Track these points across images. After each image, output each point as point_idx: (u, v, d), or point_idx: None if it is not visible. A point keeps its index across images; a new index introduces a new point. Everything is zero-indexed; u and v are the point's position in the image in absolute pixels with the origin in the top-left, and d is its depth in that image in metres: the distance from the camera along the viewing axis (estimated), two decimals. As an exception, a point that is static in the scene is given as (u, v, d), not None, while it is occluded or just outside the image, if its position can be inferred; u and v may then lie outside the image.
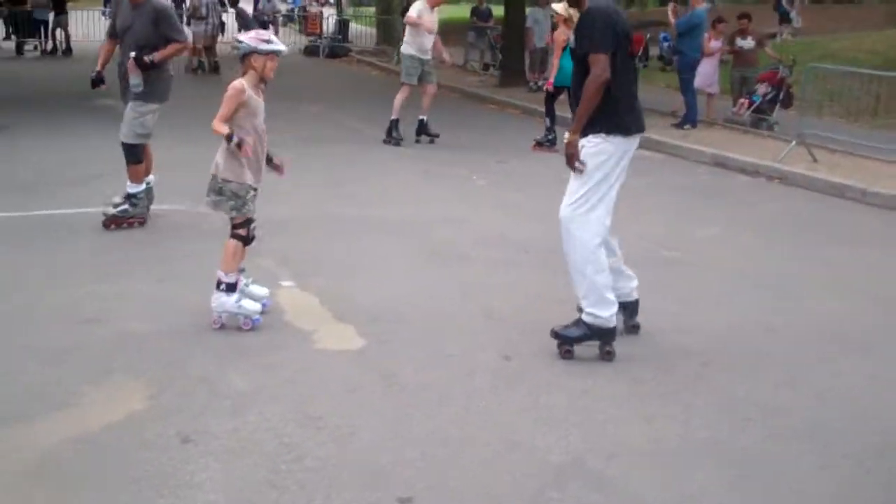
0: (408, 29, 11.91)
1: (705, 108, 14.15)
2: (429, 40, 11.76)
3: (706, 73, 13.95)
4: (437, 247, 7.09)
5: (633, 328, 5.34)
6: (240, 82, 5.05)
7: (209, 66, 20.03)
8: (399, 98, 11.86)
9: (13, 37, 23.82)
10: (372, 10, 32.27)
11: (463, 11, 29.15)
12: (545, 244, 7.13)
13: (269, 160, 5.33)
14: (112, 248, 6.81)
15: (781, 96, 13.73)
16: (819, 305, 6.12)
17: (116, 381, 4.49)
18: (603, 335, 4.95)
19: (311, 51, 25.91)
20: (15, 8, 23.32)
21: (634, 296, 5.31)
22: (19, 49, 23.11)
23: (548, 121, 11.88)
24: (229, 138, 4.98)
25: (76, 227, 7.30)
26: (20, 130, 11.87)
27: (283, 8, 31.08)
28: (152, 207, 7.53)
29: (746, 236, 7.91)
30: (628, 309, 5.30)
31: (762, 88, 13.85)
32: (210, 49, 20.27)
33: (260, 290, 5.46)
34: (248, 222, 5.21)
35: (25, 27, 23.37)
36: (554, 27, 14.51)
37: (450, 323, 5.46)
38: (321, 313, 5.59)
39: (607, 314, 4.91)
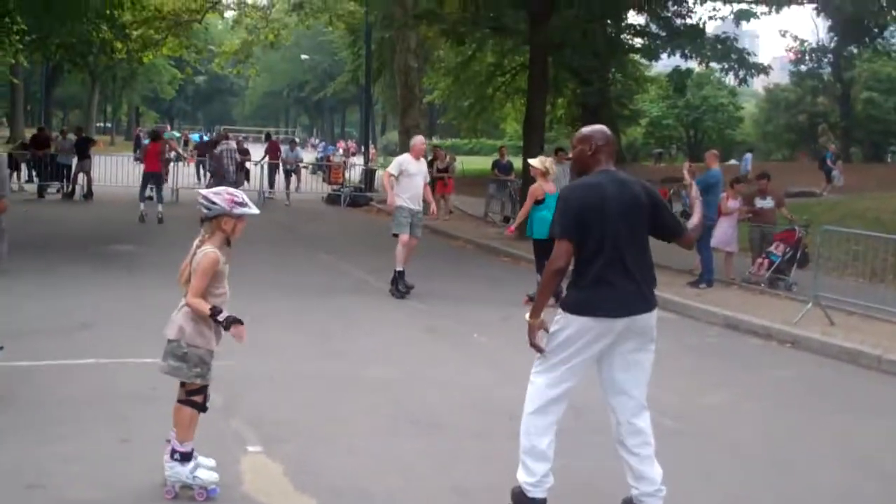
0: (398, 182, 11.79)
1: (723, 266, 13.91)
2: (419, 191, 11.86)
3: (724, 233, 13.81)
4: (418, 413, 6.76)
5: None
6: (214, 252, 4.80)
7: None
8: (399, 249, 11.83)
9: (36, 179, 24.42)
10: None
11: (486, 164, 29.63)
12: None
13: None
14: (77, 402, 6.55)
15: (798, 256, 13.49)
16: (817, 480, 5.69)
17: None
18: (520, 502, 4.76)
19: (332, 199, 26.25)
20: (38, 152, 24.06)
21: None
22: (41, 192, 23.59)
23: (539, 276, 11.71)
24: (220, 320, 4.74)
25: (48, 381, 7.08)
26: (21, 275, 11.81)
27: (304, 157, 31.63)
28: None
29: (751, 404, 7.53)
30: None
31: (781, 247, 13.65)
32: None
33: (206, 462, 5.12)
34: (204, 388, 4.95)
35: (48, 170, 24.00)
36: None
37: (415, 499, 5.11)
38: (282, 485, 5.26)
39: (530, 480, 4.77)
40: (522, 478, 4.79)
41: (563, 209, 4.66)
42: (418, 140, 12.46)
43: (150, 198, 19.24)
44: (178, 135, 48.47)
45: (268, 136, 30.98)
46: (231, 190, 4.98)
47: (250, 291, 11.30)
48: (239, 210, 4.83)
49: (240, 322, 4.77)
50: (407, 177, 11.78)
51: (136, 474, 5.13)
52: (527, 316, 4.82)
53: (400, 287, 11.79)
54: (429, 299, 11.62)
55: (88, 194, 23.45)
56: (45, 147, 24.18)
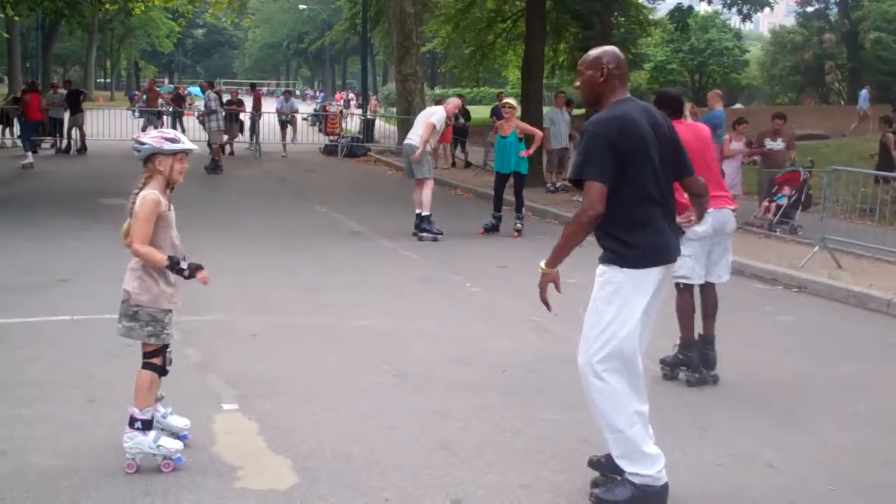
0: (426, 131, 11.95)
1: (726, 210, 13.51)
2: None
3: (727, 175, 13.38)
4: (406, 367, 6.43)
5: None
6: (153, 194, 4.45)
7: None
8: (428, 193, 11.99)
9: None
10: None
11: (484, 112, 29.13)
12: (526, 359, 6.53)
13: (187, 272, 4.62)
14: (47, 361, 6.26)
15: (803, 198, 13.11)
16: (824, 433, 5.39)
17: (-12, 530, 3.88)
18: (653, 498, 4.16)
19: (329, 150, 25.80)
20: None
21: None
22: (34, 147, 23.11)
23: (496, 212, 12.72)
24: (176, 268, 4.42)
25: (13, 338, 6.82)
26: (4, 231, 11.52)
27: (300, 107, 31.10)
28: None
29: (756, 351, 7.19)
30: None
31: (787, 189, 13.26)
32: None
33: (179, 422, 4.81)
34: (163, 349, 4.61)
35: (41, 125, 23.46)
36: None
37: (397, 459, 4.79)
38: (256, 444, 4.96)
39: (654, 471, 4.15)
40: (646, 470, 4.14)
41: (595, 147, 4.05)
42: (454, 101, 13.22)
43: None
44: (170, 87, 47.83)
45: (252, 87, 30.62)
46: (164, 129, 4.66)
47: (239, 244, 11.03)
48: (170, 146, 4.49)
49: (200, 267, 4.46)
50: (437, 134, 12.23)
51: (100, 439, 4.82)
52: (542, 264, 4.24)
53: (434, 230, 11.95)
54: (422, 249, 11.29)
55: (82, 148, 23.04)
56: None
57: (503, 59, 38.15)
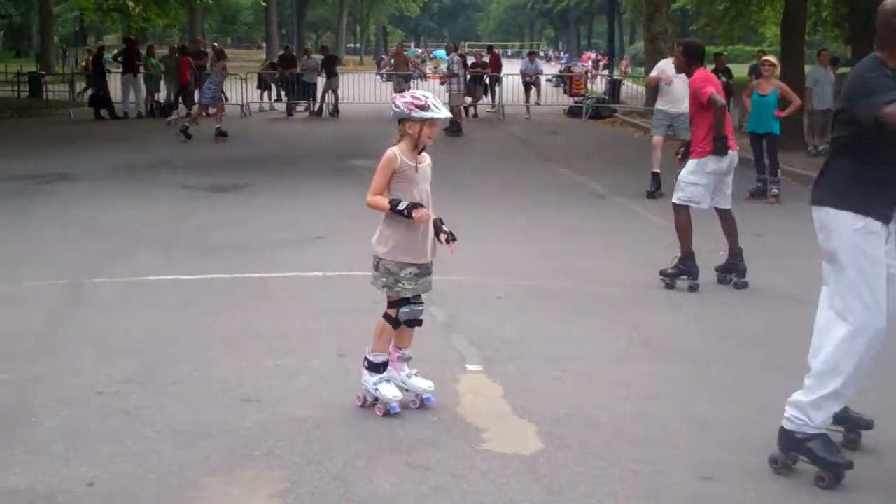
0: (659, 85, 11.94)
1: None
2: (678, 95, 11.31)
3: None
4: (655, 337, 6.16)
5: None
6: (392, 150, 4.61)
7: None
8: (654, 152, 11.92)
9: (284, 98, 25.25)
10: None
11: (740, 71, 27.77)
12: (785, 335, 6.07)
13: (437, 232, 4.70)
14: (299, 315, 6.52)
15: None
16: None
17: (246, 473, 4.04)
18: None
19: (574, 111, 25.45)
20: (286, 71, 24.85)
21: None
22: (289, 110, 24.42)
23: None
24: (395, 209, 4.52)
25: (272, 292, 7.16)
26: (259, 189, 12.17)
27: (544, 68, 30.87)
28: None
29: None
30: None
31: None
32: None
33: (423, 383, 4.84)
34: (401, 302, 4.66)
35: (295, 89, 24.74)
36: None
37: (647, 431, 4.58)
38: (501, 407, 4.91)
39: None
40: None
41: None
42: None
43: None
44: (418, 51, 49.02)
45: (489, 49, 30.74)
46: (417, 93, 4.70)
47: (482, 206, 11.06)
48: (418, 114, 4.53)
49: (418, 205, 4.52)
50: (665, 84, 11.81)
51: (350, 392, 4.92)
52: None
53: (650, 188, 11.84)
54: (671, 214, 10.81)
55: (335, 112, 24.04)
56: (292, 67, 24.94)
57: (759, 14, 36.10)
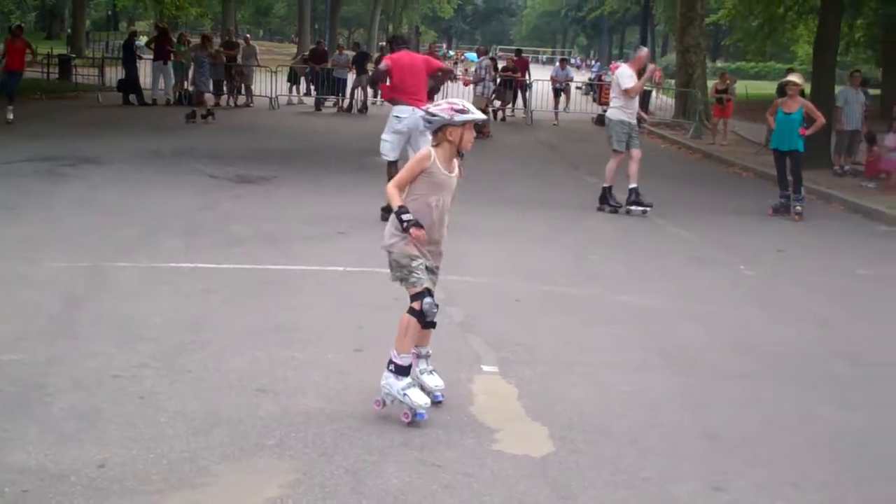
0: (618, 96, 11.60)
1: None
2: (635, 104, 11.71)
3: None
4: (672, 348, 6.14)
5: None
6: (429, 149, 4.65)
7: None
8: (611, 166, 11.75)
9: (314, 92, 25.31)
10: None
11: (770, 88, 27.60)
12: (804, 352, 6.05)
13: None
14: (318, 308, 6.54)
15: None
16: None
17: (258, 462, 4.07)
18: None
19: (602, 120, 25.31)
20: (316, 66, 24.85)
21: None
22: (318, 105, 24.47)
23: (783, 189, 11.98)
24: (399, 216, 4.55)
25: (292, 284, 7.18)
26: (284, 182, 12.19)
27: (574, 76, 30.79)
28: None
29: None
30: None
31: None
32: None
33: (432, 381, 4.83)
34: (422, 294, 4.63)
35: (325, 84, 24.76)
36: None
37: (659, 441, 4.57)
38: (514, 409, 4.91)
39: None
40: None
41: None
42: (643, 52, 12.40)
43: None
44: (452, 53, 48.99)
45: (518, 53, 30.61)
46: (451, 100, 4.76)
47: (505, 209, 11.05)
48: (460, 117, 4.58)
49: (417, 225, 4.52)
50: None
51: (365, 386, 4.93)
52: None
53: (611, 202, 11.63)
54: (696, 227, 10.79)
55: (364, 108, 24.06)
56: (323, 61, 25.00)
57: (793, 32, 35.84)
